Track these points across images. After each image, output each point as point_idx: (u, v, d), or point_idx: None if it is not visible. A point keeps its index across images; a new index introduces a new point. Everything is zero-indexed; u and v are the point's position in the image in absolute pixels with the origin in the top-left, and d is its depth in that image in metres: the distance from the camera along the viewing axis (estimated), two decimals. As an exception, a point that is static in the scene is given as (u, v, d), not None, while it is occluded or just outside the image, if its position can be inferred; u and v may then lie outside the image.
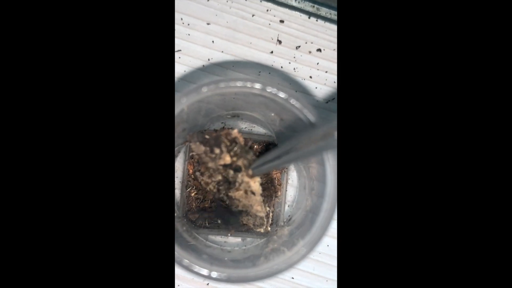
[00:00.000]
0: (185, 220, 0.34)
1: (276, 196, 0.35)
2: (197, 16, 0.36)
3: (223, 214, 0.34)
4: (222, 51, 0.36)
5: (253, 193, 0.31)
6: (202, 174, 0.33)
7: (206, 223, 0.34)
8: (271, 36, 0.36)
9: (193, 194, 0.34)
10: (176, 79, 0.36)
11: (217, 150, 0.30)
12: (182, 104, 0.25)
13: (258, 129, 0.36)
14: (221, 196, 0.33)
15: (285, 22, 0.37)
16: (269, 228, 0.34)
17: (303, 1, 0.37)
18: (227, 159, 0.30)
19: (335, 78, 0.37)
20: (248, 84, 0.25)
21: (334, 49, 0.37)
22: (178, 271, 0.35)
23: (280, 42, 0.36)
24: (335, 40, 0.37)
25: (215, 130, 0.34)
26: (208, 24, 0.36)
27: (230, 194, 0.32)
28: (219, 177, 0.32)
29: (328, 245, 0.36)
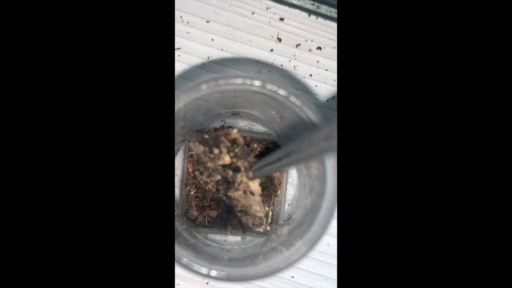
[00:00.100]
0: (184, 218, 0.34)
1: (275, 196, 0.34)
2: (196, 14, 0.36)
3: (223, 212, 0.34)
4: (222, 49, 0.36)
5: (252, 193, 0.31)
6: (201, 173, 0.33)
7: (205, 222, 0.34)
8: (271, 34, 0.36)
9: (192, 193, 0.34)
10: (175, 77, 0.36)
11: (216, 151, 0.30)
12: (181, 101, 0.25)
13: (258, 127, 0.36)
14: (220, 196, 0.33)
15: (285, 20, 0.36)
16: (268, 228, 0.34)
17: (303, -2, 0.36)
18: (226, 159, 0.30)
19: (335, 76, 0.37)
20: (248, 81, 0.25)
21: (334, 47, 0.37)
22: (178, 270, 0.35)
23: (280, 40, 0.36)
24: (335, 38, 0.37)
25: (215, 129, 0.34)
26: (207, 22, 0.36)
27: (229, 194, 0.32)
28: (218, 177, 0.32)
29: (328, 244, 0.36)
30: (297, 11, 0.36)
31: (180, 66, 0.36)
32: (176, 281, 0.35)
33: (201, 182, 0.33)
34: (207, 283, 0.35)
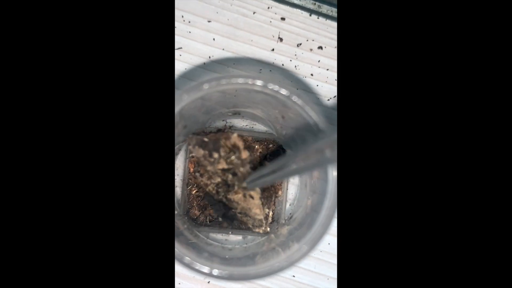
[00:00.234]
0: (186, 218, 0.34)
1: (276, 196, 0.34)
2: (198, 13, 0.36)
3: (223, 211, 0.34)
4: (223, 49, 0.36)
5: (251, 197, 0.31)
6: (201, 175, 0.33)
7: (207, 221, 0.34)
8: (272, 34, 0.36)
9: (194, 192, 0.34)
10: (176, 76, 0.36)
11: (215, 155, 0.30)
12: (183, 101, 0.25)
13: (260, 127, 0.36)
14: (220, 198, 0.33)
15: (286, 19, 0.36)
16: (268, 229, 0.34)
17: (304, -2, 0.36)
18: (225, 165, 0.30)
19: (336, 75, 0.37)
20: (250, 81, 0.25)
21: (335, 47, 0.37)
22: (179, 269, 0.35)
23: (281, 39, 0.36)
24: (336, 37, 0.37)
25: (217, 130, 0.34)
26: (209, 21, 0.36)
27: (229, 196, 0.32)
28: (218, 180, 0.32)
29: (329, 243, 0.36)
30: (298, 11, 0.36)
31: (181, 65, 0.36)
32: (177, 280, 0.35)
33: (202, 183, 0.33)
34: (209, 282, 0.35)
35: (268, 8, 0.36)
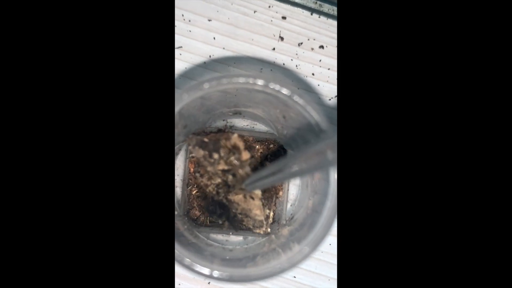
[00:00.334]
0: (186, 218, 0.34)
1: (277, 197, 0.34)
2: (198, 12, 0.36)
3: (222, 212, 0.33)
4: (224, 48, 0.36)
5: (252, 197, 0.31)
6: (201, 176, 0.33)
7: (207, 222, 0.34)
8: (273, 33, 0.36)
9: (194, 192, 0.34)
10: (177, 76, 0.35)
11: (215, 155, 0.30)
12: (183, 100, 0.25)
13: (260, 127, 0.36)
14: (220, 198, 0.33)
15: (287, 18, 0.36)
16: (268, 230, 0.33)
17: (305, -3, 0.36)
18: (225, 166, 0.30)
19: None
20: (251, 80, 0.25)
21: (336, 46, 0.36)
22: (180, 270, 0.34)
23: (282, 38, 0.36)
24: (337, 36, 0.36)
25: (218, 130, 0.34)
26: (209, 20, 0.36)
27: (229, 197, 0.32)
28: (219, 180, 0.32)
29: (330, 244, 0.36)
30: (299, 10, 0.36)
31: (181, 64, 0.36)
32: (178, 281, 0.35)
33: (202, 184, 0.33)
34: (209, 283, 0.35)
35: (269, 7, 0.36)
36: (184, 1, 0.35)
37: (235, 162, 0.29)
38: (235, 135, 0.29)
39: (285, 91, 0.25)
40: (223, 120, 0.35)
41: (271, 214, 0.34)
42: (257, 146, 0.34)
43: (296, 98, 0.25)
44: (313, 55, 0.36)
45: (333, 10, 0.36)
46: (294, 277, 0.36)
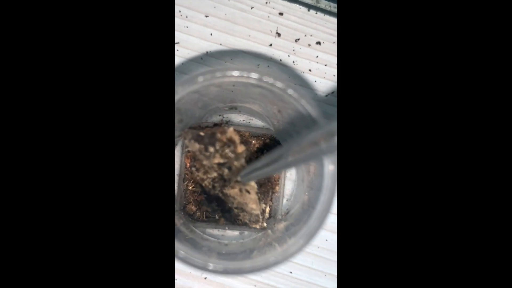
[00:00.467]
0: (182, 213, 0.34)
1: (273, 192, 0.34)
2: (195, 8, 0.36)
3: (218, 206, 0.34)
4: (221, 44, 0.36)
5: (248, 191, 0.31)
6: (197, 170, 0.33)
7: (203, 217, 0.34)
8: (270, 29, 0.36)
9: (190, 188, 0.34)
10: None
11: (211, 149, 0.30)
12: (178, 94, 0.25)
13: (257, 122, 0.36)
14: (216, 192, 0.33)
15: (284, 14, 0.36)
16: (264, 224, 0.33)
17: (302, -7, 0.36)
18: (221, 159, 0.30)
19: (334, 71, 0.36)
20: (245, 74, 0.25)
21: (333, 42, 0.36)
22: (176, 264, 0.35)
23: (279, 34, 0.36)
24: (335, 33, 0.36)
25: (214, 125, 0.34)
26: (206, 16, 0.36)
27: (225, 191, 0.32)
28: (214, 174, 0.32)
29: (327, 240, 0.36)
30: (297, 6, 0.36)
31: (178, 60, 0.36)
32: (175, 276, 0.35)
33: (198, 178, 0.33)
34: (205, 278, 0.35)
35: (266, 3, 0.36)
36: (181, -3, 0.36)
37: (230, 154, 0.29)
38: (231, 129, 0.29)
39: (279, 84, 0.25)
40: (219, 115, 0.35)
41: (267, 209, 0.34)
42: (253, 141, 0.34)
43: (290, 91, 0.25)
44: (310, 51, 0.36)
45: (330, 6, 0.36)
46: (291, 272, 0.36)
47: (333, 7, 0.36)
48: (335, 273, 0.36)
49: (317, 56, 0.36)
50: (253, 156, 0.33)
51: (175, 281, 0.35)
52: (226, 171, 0.30)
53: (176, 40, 0.36)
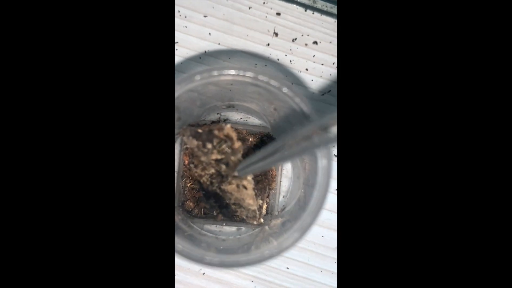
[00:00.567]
0: (181, 209, 0.34)
1: (270, 188, 0.35)
2: (194, 8, 0.36)
3: (216, 202, 0.34)
4: (219, 43, 0.37)
5: (245, 187, 0.32)
6: (195, 166, 0.33)
7: (201, 213, 0.34)
8: (267, 29, 0.37)
9: (189, 185, 0.35)
10: (173, 70, 0.36)
11: (209, 145, 0.30)
12: (176, 92, 0.26)
13: (254, 120, 0.36)
14: (214, 188, 0.33)
15: (281, 14, 0.37)
16: (261, 220, 0.34)
17: (299, -7, 0.37)
18: (218, 155, 0.30)
19: (331, 70, 0.37)
20: (241, 72, 0.26)
21: (330, 42, 0.37)
22: (175, 259, 0.35)
23: (276, 34, 0.37)
24: (331, 32, 0.37)
25: (211, 122, 0.35)
26: (205, 16, 0.36)
27: (222, 187, 0.33)
28: (212, 171, 0.32)
29: (323, 236, 0.37)
30: (294, 6, 0.37)
31: (177, 59, 0.36)
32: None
33: (196, 174, 0.34)
34: (204, 273, 0.36)
35: (264, 3, 0.37)
36: (180, -3, 0.36)
37: (228, 150, 0.30)
38: (228, 126, 0.30)
39: (274, 82, 0.26)
40: (217, 114, 0.36)
41: (264, 205, 0.35)
42: (250, 139, 0.35)
43: (285, 90, 0.26)
44: (307, 50, 0.37)
45: (327, 6, 0.37)
46: (287, 268, 0.36)
47: (330, 7, 0.37)
48: (331, 269, 0.37)
49: (313, 56, 0.37)
50: (250, 152, 0.34)
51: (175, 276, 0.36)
52: (223, 167, 0.31)
53: (175, 40, 0.36)
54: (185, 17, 0.36)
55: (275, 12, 0.37)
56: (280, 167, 0.35)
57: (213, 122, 0.35)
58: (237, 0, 0.37)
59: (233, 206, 0.34)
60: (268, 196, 0.35)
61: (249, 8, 0.37)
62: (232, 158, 0.30)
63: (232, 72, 0.25)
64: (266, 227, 0.33)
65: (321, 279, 0.37)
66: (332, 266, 0.36)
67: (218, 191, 0.33)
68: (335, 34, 0.37)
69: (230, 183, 0.31)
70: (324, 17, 0.37)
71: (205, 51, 0.36)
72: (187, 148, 0.34)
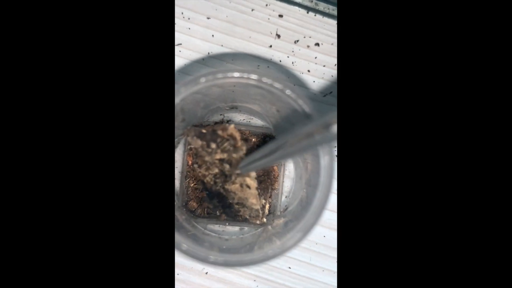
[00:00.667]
0: (184, 209, 0.35)
1: (272, 189, 0.35)
2: (197, 10, 0.37)
3: (219, 202, 0.35)
4: (222, 45, 0.37)
5: (248, 186, 0.32)
6: (199, 166, 0.34)
7: (205, 213, 0.35)
8: (270, 30, 0.37)
9: (192, 185, 0.35)
10: (176, 72, 0.37)
11: (213, 145, 0.31)
12: (181, 94, 0.26)
13: (256, 121, 0.37)
14: (218, 188, 0.34)
15: (284, 16, 0.37)
16: (264, 220, 0.34)
17: (301, -4, 0.37)
18: (222, 155, 0.31)
19: (332, 72, 0.37)
20: (245, 75, 0.26)
21: (332, 44, 0.37)
22: (178, 259, 0.36)
23: (278, 36, 0.37)
24: (333, 34, 0.37)
25: (214, 123, 0.35)
26: (208, 18, 0.37)
27: (226, 187, 0.33)
28: (216, 170, 0.33)
29: (325, 236, 0.37)
30: (296, 8, 0.37)
31: (180, 61, 0.37)
32: (176, 270, 0.36)
33: (200, 174, 0.34)
34: (206, 273, 0.36)
35: (266, 5, 0.37)
36: (184, -1, 0.37)
37: (229, 147, 0.30)
38: (232, 126, 0.30)
39: (277, 85, 0.26)
40: (220, 115, 0.36)
41: (267, 205, 0.35)
42: (253, 139, 0.35)
43: (288, 92, 0.26)
44: (309, 52, 0.37)
45: (329, 8, 0.37)
46: (289, 268, 0.37)
47: (332, 9, 0.37)
48: (333, 269, 0.37)
49: (315, 57, 0.37)
50: (253, 150, 0.34)
51: (177, 275, 0.36)
52: (227, 166, 0.31)
53: (178, 42, 0.37)
54: (189, 19, 0.37)
55: (278, 14, 0.37)
56: (282, 167, 0.36)
57: (216, 123, 0.35)
58: (240, 2, 0.37)
59: (236, 206, 0.34)
60: (270, 196, 0.35)
61: (252, 10, 0.37)
62: (235, 155, 0.31)
63: (237, 74, 0.26)
64: (269, 227, 0.33)
65: (322, 278, 0.37)
66: (333, 265, 0.37)
67: (221, 190, 0.33)
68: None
69: (233, 183, 0.32)
70: (326, 19, 0.37)
71: (208, 53, 0.37)
72: (191, 149, 0.35)
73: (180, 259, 0.36)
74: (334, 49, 0.37)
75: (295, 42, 0.37)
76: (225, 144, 0.30)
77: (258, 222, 0.34)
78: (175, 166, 0.36)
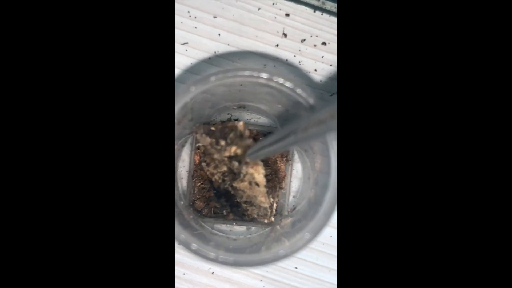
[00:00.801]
0: (191, 209, 0.35)
1: (280, 188, 0.35)
2: (204, 9, 0.37)
3: (227, 201, 0.34)
4: (228, 44, 0.37)
5: (257, 184, 0.32)
6: (208, 164, 0.34)
7: (211, 213, 0.35)
8: (276, 30, 0.37)
9: (199, 184, 0.35)
10: (183, 71, 0.36)
11: (222, 142, 0.31)
12: (191, 93, 0.26)
13: (264, 120, 0.36)
14: (226, 186, 0.34)
15: (290, 15, 0.37)
16: (272, 219, 0.34)
17: (308, -5, 0.37)
18: (232, 150, 0.31)
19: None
20: (255, 74, 0.26)
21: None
22: (185, 258, 0.36)
23: (285, 35, 0.37)
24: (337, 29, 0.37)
25: (222, 122, 0.35)
26: (214, 17, 0.37)
27: (234, 185, 0.33)
28: (224, 168, 0.33)
29: (331, 236, 0.37)
30: (303, 7, 0.37)
31: (187, 60, 0.37)
32: (182, 270, 0.36)
33: (208, 173, 0.34)
34: (213, 273, 0.36)
35: (273, 4, 0.37)
36: (190, -2, 0.36)
37: (233, 137, 0.30)
38: (241, 123, 0.30)
39: (288, 84, 0.26)
40: (228, 114, 0.36)
41: (274, 205, 0.35)
42: (261, 138, 0.35)
43: (299, 91, 0.26)
44: (316, 51, 0.37)
45: (335, 7, 0.37)
46: (296, 268, 0.37)
47: (339, 9, 0.37)
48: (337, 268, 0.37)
49: (322, 57, 0.37)
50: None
51: (183, 275, 0.36)
52: (236, 164, 0.31)
53: (185, 41, 0.36)
54: (195, 18, 0.37)
55: (284, 13, 0.37)
56: (290, 167, 0.36)
57: (223, 122, 0.35)
58: (247, 1, 0.37)
59: (244, 205, 0.34)
60: (278, 196, 0.35)
61: (259, 9, 0.37)
62: (241, 143, 0.30)
63: (246, 73, 0.26)
64: (278, 227, 0.33)
65: (329, 278, 0.37)
66: (340, 265, 0.37)
67: (230, 189, 0.33)
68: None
69: (242, 181, 0.31)
70: (332, 18, 0.37)
71: (215, 52, 0.37)
72: (198, 147, 0.35)
73: (186, 259, 0.36)
74: (341, 48, 0.37)
75: (301, 41, 0.37)
76: (231, 135, 0.30)
77: (266, 221, 0.34)
78: (183, 165, 0.36)
